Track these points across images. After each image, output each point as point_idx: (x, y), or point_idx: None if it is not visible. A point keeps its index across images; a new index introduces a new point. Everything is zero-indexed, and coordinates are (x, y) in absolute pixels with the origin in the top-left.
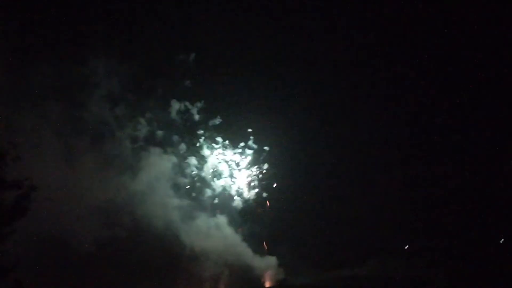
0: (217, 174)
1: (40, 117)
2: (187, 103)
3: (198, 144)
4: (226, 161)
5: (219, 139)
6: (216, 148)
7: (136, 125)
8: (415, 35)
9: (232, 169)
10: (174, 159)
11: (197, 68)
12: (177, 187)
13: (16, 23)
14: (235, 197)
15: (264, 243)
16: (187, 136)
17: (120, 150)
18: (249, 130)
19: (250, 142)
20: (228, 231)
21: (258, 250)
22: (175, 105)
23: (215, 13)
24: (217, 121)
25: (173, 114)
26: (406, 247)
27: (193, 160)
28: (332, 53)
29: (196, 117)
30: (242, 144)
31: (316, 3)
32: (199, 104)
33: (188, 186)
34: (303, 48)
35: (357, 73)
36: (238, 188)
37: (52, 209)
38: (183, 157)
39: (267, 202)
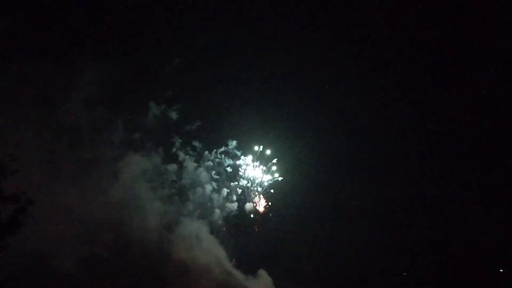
0: (200, 184)
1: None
2: (168, 108)
3: (185, 154)
4: (210, 170)
5: (202, 146)
6: (202, 157)
7: (120, 133)
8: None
9: (216, 179)
10: (155, 169)
11: (182, 73)
12: (159, 197)
13: None
14: (227, 210)
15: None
16: (172, 143)
17: (102, 157)
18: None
19: (231, 147)
20: (219, 249)
21: (249, 267)
22: (154, 110)
23: (199, 18)
24: (195, 126)
25: (153, 119)
26: (404, 273)
27: (176, 169)
28: (316, 55)
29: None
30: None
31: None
32: (178, 108)
33: (171, 196)
34: (287, 51)
35: (341, 75)
36: (225, 199)
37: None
38: (165, 167)
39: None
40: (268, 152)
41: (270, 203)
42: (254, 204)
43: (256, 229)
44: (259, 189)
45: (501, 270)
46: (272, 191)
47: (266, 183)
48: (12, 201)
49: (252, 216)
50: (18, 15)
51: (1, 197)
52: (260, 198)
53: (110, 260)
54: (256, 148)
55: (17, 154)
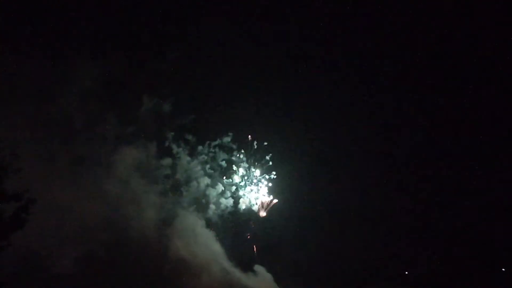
0: (194, 179)
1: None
2: (161, 101)
3: (178, 147)
4: (204, 165)
5: (196, 140)
6: (196, 151)
7: (114, 128)
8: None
9: (210, 174)
10: (149, 163)
11: (175, 67)
12: (154, 192)
13: None
14: (223, 206)
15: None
16: (165, 137)
17: (95, 153)
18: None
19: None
20: (216, 245)
21: (245, 263)
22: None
23: (193, 13)
24: (189, 119)
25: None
26: (405, 273)
27: (170, 163)
28: (313, 49)
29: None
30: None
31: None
32: (171, 101)
33: (165, 190)
34: (283, 45)
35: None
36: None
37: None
38: (158, 162)
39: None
40: (265, 143)
41: (265, 200)
42: (249, 202)
43: (252, 226)
44: (253, 186)
45: (503, 270)
46: (267, 189)
47: (261, 180)
48: (15, 200)
49: (247, 213)
50: (10, 11)
51: (3, 196)
52: (255, 195)
53: (108, 258)
54: (250, 137)
55: (18, 153)
